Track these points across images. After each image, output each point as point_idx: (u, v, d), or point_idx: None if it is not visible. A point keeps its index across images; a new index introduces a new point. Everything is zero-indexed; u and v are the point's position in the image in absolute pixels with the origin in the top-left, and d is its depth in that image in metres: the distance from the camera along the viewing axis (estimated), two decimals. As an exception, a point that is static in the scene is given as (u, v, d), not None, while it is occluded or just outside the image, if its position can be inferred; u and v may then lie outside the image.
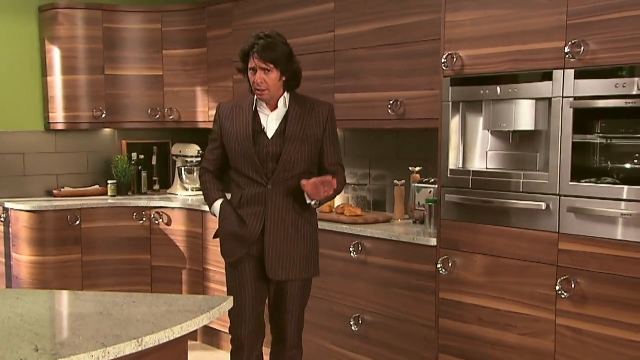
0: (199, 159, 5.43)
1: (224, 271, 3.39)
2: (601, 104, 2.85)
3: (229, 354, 3.38)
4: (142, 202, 5.17)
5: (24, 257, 4.96)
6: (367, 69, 4.08)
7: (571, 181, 2.95)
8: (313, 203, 3.23)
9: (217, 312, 2.15)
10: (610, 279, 2.85)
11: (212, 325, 4.64)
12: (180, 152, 5.55)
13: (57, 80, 5.26)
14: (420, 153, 4.28)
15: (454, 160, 3.42)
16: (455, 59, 3.33)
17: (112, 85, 5.34)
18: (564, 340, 3.01)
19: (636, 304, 2.78)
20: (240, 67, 3.29)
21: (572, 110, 2.94)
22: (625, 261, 2.80)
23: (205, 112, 5.27)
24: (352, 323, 3.87)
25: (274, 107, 3.27)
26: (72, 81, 5.25)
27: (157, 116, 5.40)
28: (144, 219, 5.11)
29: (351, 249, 3.83)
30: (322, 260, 3.97)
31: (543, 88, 3.04)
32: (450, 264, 3.39)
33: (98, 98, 5.30)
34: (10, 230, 5.06)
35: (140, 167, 5.59)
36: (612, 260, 2.84)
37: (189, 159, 5.48)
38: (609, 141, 2.93)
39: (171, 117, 5.37)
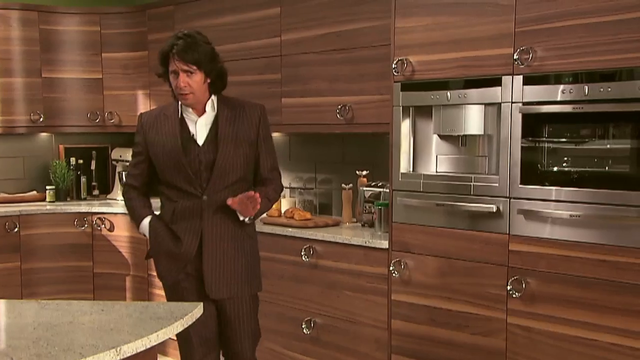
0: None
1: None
2: (549, 108, 2.95)
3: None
4: (82, 207, 5.07)
5: (-41, 266, 4.81)
6: (315, 74, 4.11)
7: (520, 184, 3.05)
8: (247, 219, 3.09)
9: (190, 319, 2.15)
10: (559, 278, 2.95)
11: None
12: (121, 156, 5.46)
13: (-9, 83, 5.13)
14: (366, 157, 4.34)
15: (405, 164, 3.48)
16: (405, 65, 3.39)
17: (49, 88, 5.22)
18: (515, 339, 3.10)
19: (584, 302, 2.88)
20: (160, 71, 3.07)
21: (520, 115, 3.03)
22: (574, 261, 2.90)
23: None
24: (303, 326, 3.89)
25: (201, 112, 3.07)
26: (7, 84, 5.10)
27: (97, 120, 5.30)
28: (86, 225, 5.01)
29: (302, 253, 3.85)
30: (273, 264, 4.00)
31: (492, 93, 3.13)
32: (402, 266, 3.45)
33: (35, 101, 5.17)
34: (-56, 238, 4.90)
35: (79, 172, 5.48)
36: (561, 260, 2.94)
37: (129, 164, 5.39)
38: (556, 145, 3.03)
39: (112, 121, 5.29)
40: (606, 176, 2.88)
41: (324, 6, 4.04)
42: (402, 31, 3.42)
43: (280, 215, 4.25)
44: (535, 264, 3.02)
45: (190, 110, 3.07)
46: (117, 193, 5.43)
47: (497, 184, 3.12)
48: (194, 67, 2.95)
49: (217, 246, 3.06)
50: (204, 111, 3.07)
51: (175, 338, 2.84)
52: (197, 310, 2.22)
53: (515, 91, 3.04)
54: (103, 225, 4.99)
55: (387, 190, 3.89)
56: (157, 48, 4.96)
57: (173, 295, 3.15)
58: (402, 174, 3.46)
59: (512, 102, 3.05)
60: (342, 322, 3.77)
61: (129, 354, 1.84)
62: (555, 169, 3.03)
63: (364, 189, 4.05)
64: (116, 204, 5.19)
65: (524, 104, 3.02)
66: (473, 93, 3.19)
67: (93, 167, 5.60)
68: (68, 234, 5.00)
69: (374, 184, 4.05)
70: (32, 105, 5.17)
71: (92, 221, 5.02)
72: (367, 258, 3.63)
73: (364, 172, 4.17)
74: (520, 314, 3.08)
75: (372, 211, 3.88)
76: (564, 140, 3.01)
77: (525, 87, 3.01)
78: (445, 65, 3.28)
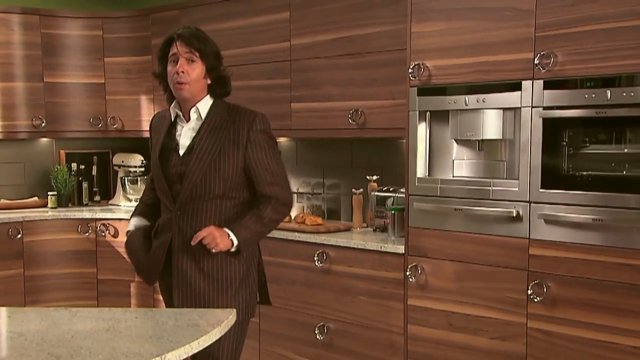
0: (142, 169, 5.33)
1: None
2: (571, 113, 2.96)
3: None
4: (85, 214, 5.02)
5: (-38, 273, 4.75)
6: (325, 79, 4.10)
7: (541, 188, 3.05)
8: (232, 249, 2.69)
9: (226, 326, 2.12)
10: (580, 282, 2.96)
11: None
12: (123, 162, 5.42)
13: (-8, 87, 5.07)
14: (375, 162, 4.33)
15: (421, 169, 3.48)
16: (422, 69, 3.39)
17: (51, 93, 5.17)
18: (536, 343, 3.10)
19: (605, 306, 2.89)
20: (158, 71, 2.81)
21: (541, 119, 3.04)
22: (595, 264, 2.91)
23: (149, 122, 5.17)
24: (316, 332, 3.87)
25: (188, 117, 2.79)
26: (8, 88, 5.05)
27: (100, 125, 5.26)
28: (89, 231, 4.96)
29: (315, 258, 3.83)
30: (284, 269, 3.99)
31: (511, 98, 3.13)
32: (418, 271, 3.44)
33: (37, 106, 5.12)
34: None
35: (80, 178, 5.43)
36: (582, 263, 2.95)
37: (132, 169, 5.36)
38: (577, 149, 3.04)
39: (115, 126, 5.25)
40: (627, 180, 2.89)
41: (334, 11, 4.03)
42: (418, 36, 3.41)
43: (290, 221, 4.23)
44: (556, 268, 3.02)
45: (181, 115, 2.80)
46: (120, 199, 5.39)
47: (516, 189, 3.12)
48: (197, 55, 2.69)
49: (187, 266, 2.72)
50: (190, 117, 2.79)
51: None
52: (231, 317, 2.20)
53: (535, 96, 3.05)
54: (107, 232, 4.95)
55: (400, 195, 3.89)
56: (161, 52, 5.02)
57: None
58: (418, 178, 3.45)
59: (532, 107, 3.06)
60: (356, 327, 3.75)
61: (171, 362, 1.82)
62: (576, 173, 3.03)
63: (375, 193, 4.03)
64: (118, 210, 5.16)
65: (544, 108, 3.03)
66: (492, 98, 3.20)
67: (94, 172, 5.55)
68: (71, 241, 4.95)
69: (385, 188, 4.04)
70: (34, 110, 5.12)
71: (96, 227, 4.97)
72: (382, 263, 3.62)
73: (374, 177, 4.16)
74: (541, 318, 3.08)
75: (385, 216, 3.87)
76: (585, 144, 3.02)
77: (545, 91, 3.02)
78: (462, 70, 3.28)
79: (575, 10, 2.92)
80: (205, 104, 2.77)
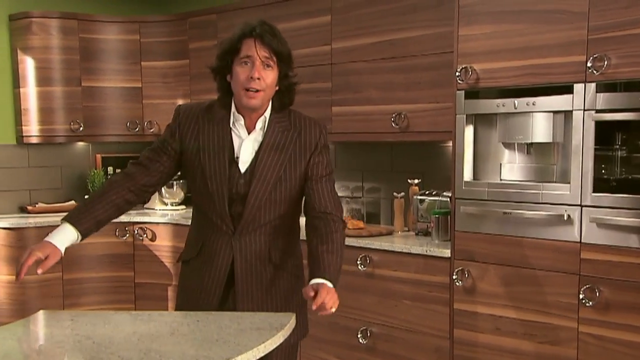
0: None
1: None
2: (625, 116, 2.93)
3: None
4: (122, 217, 4.98)
5: (1, 277, 4.76)
6: (366, 82, 4.09)
7: (593, 192, 3.02)
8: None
9: (289, 329, 2.11)
10: (633, 286, 2.92)
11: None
12: (158, 165, 5.42)
13: (30, 91, 5.08)
14: (415, 165, 4.31)
15: (468, 173, 3.45)
16: (469, 72, 3.37)
17: (89, 97, 5.19)
18: (587, 348, 3.07)
19: (661, 311, 2.86)
20: (218, 64, 2.46)
21: (593, 122, 3.01)
22: (649, 269, 2.89)
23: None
24: (359, 336, 3.85)
25: (252, 127, 2.49)
26: (46, 93, 5.08)
27: (137, 129, 5.27)
28: (127, 235, 4.98)
29: (358, 262, 3.82)
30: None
31: (562, 101, 3.10)
32: (465, 275, 3.42)
33: (75, 110, 5.14)
34: (-16, 248, 4.86)
35: (116, 182, 5.44)
36: (635, 267, 2.92)
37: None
38: (630, 152, 3.00)
39: (151, 131, 5.26)
40: (683, 184, 2.86)
41: (376, 15, 4.02)
42: (465, 39, 3.39)
43: (331, 224, 4.20)
44: (608, 272, 2.99)
45: (241, 121, 2.48)
46: (156, 203, 5.40)
47: (568, 192, 3.09)
48: (274, 60, 2.41)
49: (252, 288, 2.52)
50: (255, 127, 2.50)
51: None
52: (292, 320, 2.19)
53: (588, 99, 3.01)
54: (145, 235, 4.96)
55: (443, 199, 3.87)
56: (198, 56, 5.04)
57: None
58: (465, 182, 3.43)
59: (584, 110, 3.03)
60: (400, 331, 3.73)
61: (241, 366, 1.81)
62: (629, 176, 3.00)
63: (418, 197, 4.01)
64: (154, 214, 5.16)
65: (597, 111, 2.99)
66: (542, 101, 3.17)
67: (130, 176, 5.56)
68: (109, 244, 4.96)
69: (427, 192, 4.02)
70: (72, 114, 5.14)
71: (134, 231, 4.99)
72: (427, 267, 3.59)
73: (416, 181, 4.14)
74: (593, 323, 3.04)
75: (429, 220, 3.85)
76: (638, 147, 2.98)
77: (598, 94, 2.99)
78: (510, 73, 3.25)
79: (630, 13, 2.89)
80: (269, 114, 2.51)
